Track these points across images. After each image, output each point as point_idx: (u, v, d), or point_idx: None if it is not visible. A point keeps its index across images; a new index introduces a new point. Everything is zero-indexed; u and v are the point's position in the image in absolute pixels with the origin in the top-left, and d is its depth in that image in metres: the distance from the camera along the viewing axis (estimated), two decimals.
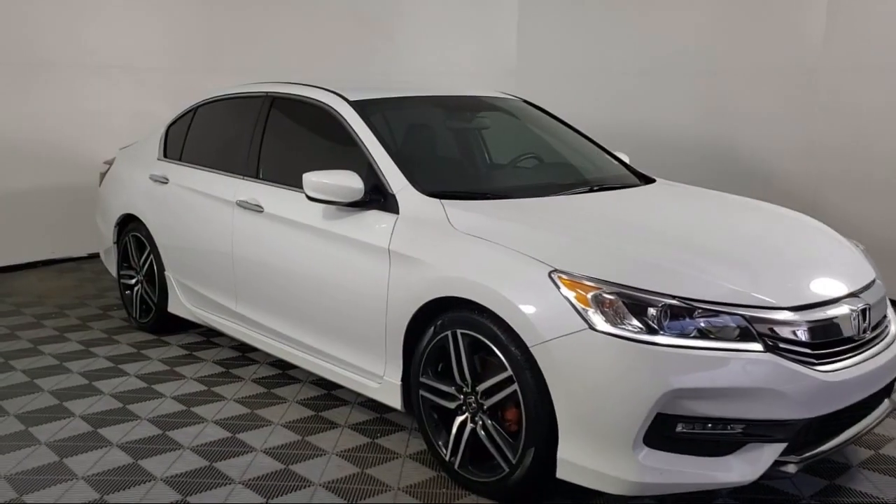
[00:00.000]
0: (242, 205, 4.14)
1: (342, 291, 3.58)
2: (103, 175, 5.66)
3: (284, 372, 4.46)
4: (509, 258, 2.97)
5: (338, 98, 3.96)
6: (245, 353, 4.77)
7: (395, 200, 3.46)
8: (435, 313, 3.20)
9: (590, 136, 4.59)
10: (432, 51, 8.09)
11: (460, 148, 4.31)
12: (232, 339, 4.62)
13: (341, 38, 8.02)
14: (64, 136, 7.03)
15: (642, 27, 7.38)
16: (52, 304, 5.85)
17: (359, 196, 3.50)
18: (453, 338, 3.11)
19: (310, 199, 3.55)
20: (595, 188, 3.84)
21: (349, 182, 3.49)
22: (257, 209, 4.04)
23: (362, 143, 3.70)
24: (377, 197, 3.52)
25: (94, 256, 7.04)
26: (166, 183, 4.81)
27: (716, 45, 6.87)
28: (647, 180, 4.20)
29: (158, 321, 5.06)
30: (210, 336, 5.07)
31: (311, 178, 3.52)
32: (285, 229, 3.89)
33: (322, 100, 4.02)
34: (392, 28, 8.16)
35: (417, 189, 3.46)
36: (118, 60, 7.17)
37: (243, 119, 4.53)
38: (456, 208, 3.34)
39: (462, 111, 4.40)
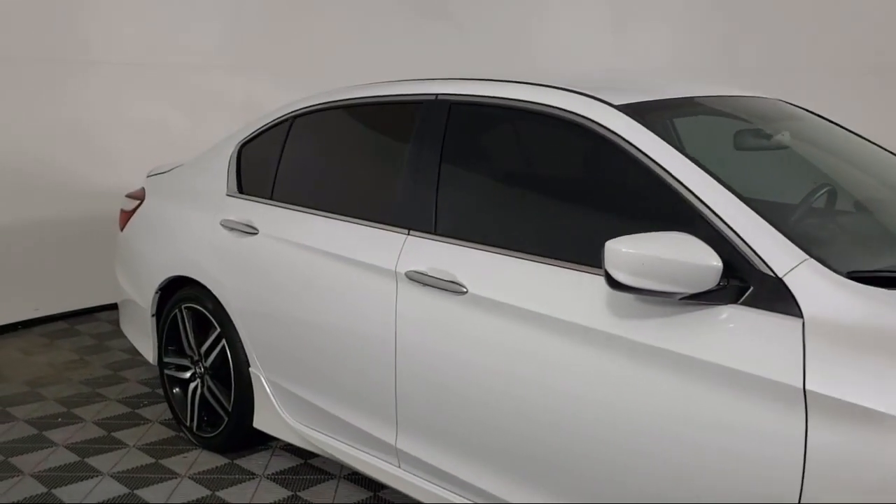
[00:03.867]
0: (417, 278, 2.50)
1: (674, 455, 1.97)
2: (128, 215, 3.92)
3: None
4: None
5: (591, 102, 2.34)
6: (375, 490, 3.12)
7: (787, 290, 1.86)
8: None
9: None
10: (516, 42, 6.46)
11: (783, 182, 2.71)
12: (345, 464, 2.95)
13: (395, 31, 6.35)
14: (47, 152, 5.23)
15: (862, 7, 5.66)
16: (53, 399, 4.09)
17: (713, 282, 1.89)
18: None
19: (615, 285, 1.93)
20: None
21: (699, 257, 1.88)
22: (454, 288, 2.40)
23: (676, 180, 2.09)
24: (739, 283, 1.92)
25: (90, 311, 5.30)
26: (253, 234, 3.12)
27: None
28: None
29: (233, 437, 3.36)
30: (307, 457, 3.40)
31: (627, 250, 1.91)
32: (522, 329, 2.26)
33: (557, 104, 2.41)
34: (461, 17, 6.51)
35: (830, 268, 1.87)
36: (116, 55, 5.40)
37: (389, 137, 2.90)
38: None
39: (758, 122, 2.79)
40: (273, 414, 3.16)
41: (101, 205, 5.42)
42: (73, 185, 5.33)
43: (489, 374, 2.35)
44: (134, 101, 5.50)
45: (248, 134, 3.43)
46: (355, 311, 2.73)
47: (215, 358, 3.38)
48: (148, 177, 4.06)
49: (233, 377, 3.28)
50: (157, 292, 3.62)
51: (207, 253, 3.31)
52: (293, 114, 3.25)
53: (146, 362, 4.47)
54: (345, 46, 6.15)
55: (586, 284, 2.14)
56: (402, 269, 2.57)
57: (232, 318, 3.23)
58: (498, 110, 2.57)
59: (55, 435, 3.65)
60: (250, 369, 3.22)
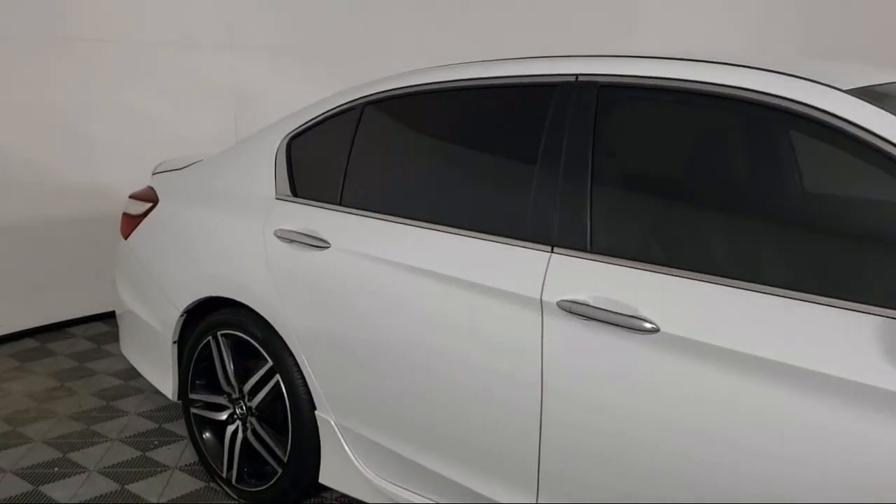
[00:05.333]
0: (578, 310, 1.96)
1: None
2: (135, 220, 3.27)
3: None
4: None
5: (815, 86, 1.83)
6: None
7: None
8: None
9: None
10: (522, 22, 5.93)
11: None
12: None
13: (403, 7, 5.75)
14: (9, 140, 4.48)
15: None
16: (42, 441, 3.42)
17: None
18: None
19: None
20: None
21: None
22: (635, 325, 1.87)
23: None
24: None
25: (61, 326, 4.61)
26: (323, 248, 2.53)
27: None
28: None
29: (288, 493, 2.76)
30: None
31: None
32: (747, 383, 1.73)
33: (762, 89, 1.89)
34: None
35: None
36: (90, 30, 4.67)
37: (507, 128, 2.34)
38: None
39: None
40: (347, 467, 2.58)
41: (74, 202, 4.73)
42: (39, 179, 4.60)
43: (692, 435, 1.83)
44: (110, 82, 4.77)
45: (298, 124, 2.82)
46: (478, 348, 2.18)
47: (265, 397, 2.77)
48: (154, 174, 3.40)
49: (290, 421, 2.69)
50: (182, 315, 2.98)
51: (257, 270, 2.70)
52: (363, 100, 2.66)
53: (142, 388, 3.86)
54: (347, 21, 5.52)
55: (851, 326, 1.63)
56: (552, 298, 2.02)
57: (292, 349, 2.64)
58: (674, 95, 2.03)
59: (56, 491, 3.00)
60: (316, 412, 2.63)
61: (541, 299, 2.04)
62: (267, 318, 2.68)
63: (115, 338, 4.56)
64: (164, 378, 3.16)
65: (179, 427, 3.52)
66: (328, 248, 2.52)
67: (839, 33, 5.87)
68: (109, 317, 4.92)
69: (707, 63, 2.00)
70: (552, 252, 2.08)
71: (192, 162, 3.28)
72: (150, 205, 3.21)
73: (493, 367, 2.14)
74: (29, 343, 4.61)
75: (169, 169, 3.35)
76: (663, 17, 6.10)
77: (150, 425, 3.56)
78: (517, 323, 2.09)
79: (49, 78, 4.51)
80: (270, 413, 2.79)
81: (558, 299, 2.01)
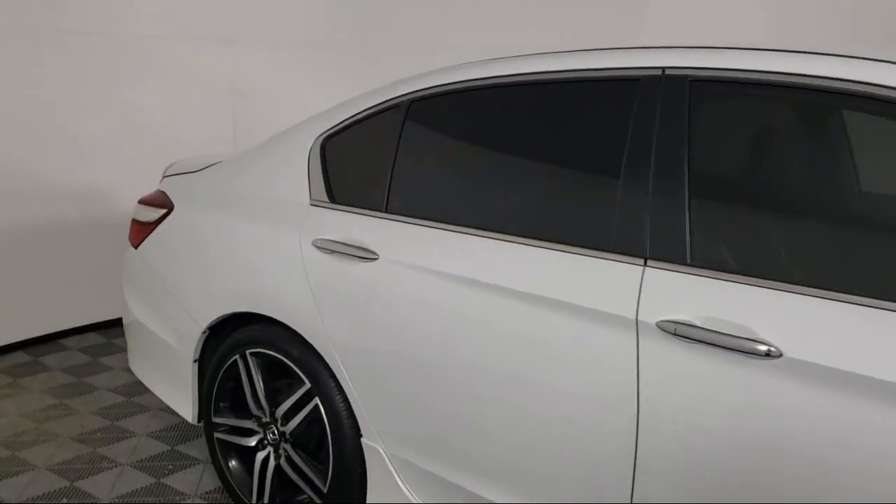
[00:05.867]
0: (682, 332, 1.74)
1: None
2: (146, 227, 3.01)
3: None
4: None
5: None
6: None
7: None
8: None
9: None
10: (524, 12, 5.72)
11: None
12: None
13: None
14: None
15: None
16: (45, 468, 3.15)
17: None
18: None
19: None
20: None
21: None
22: (750, 348, 1.65)
23: None
24: None
25: (53, 337, 4.34)
26: (371, 260, 2.29)
27: None
28: None
29: None
30: None
31: None
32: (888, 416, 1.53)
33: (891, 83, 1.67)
34: None
35: None
36: (81, 24, 4.38)
37: (582, 127, 2.11)
38: None
39: None
40: (399, 500, 2.35)
41: (64, 205, 4.44)
42: (28, 181, 4.31)
43: (821, 474, 1.61)
44: (105, 78, 4.48)
45: (333, 123, 2.58)
46: (558, 373, 1.96)
47: (301, 421, 2.53)
48: (165, 177, 3.14)
49: (331, 448, 2.45)
50: (204, 332, 2.73)
51: (293, 283, 2.45)
52: (409, 96, 2.42)
53: (148, 406, 3.61)
54: (352, 13, 5.26)
55: None
56: (650, 318, 1.80)
57: (334, 371, 2.40)
58: (778, 91, 1.82)
59: None
60: (362, 439, 2.40)
61: (636, 319, 1.82)
62: (305, 335, 2.44)
63: (112, 349, 4.31)
64: (181, 398, 2.91)
65: (194, 449, 3.28)
66: (376, 259, 2.28)
67: (847, 27, 5.74)
68: (104, 326, 4.65)
69: (813, 55, 1.78)
70: (645, 265, 1.86)
71: (208, 164, 3.02)
72: (163, 211, 2.94)
73: (578, 394, 1.92)
74: (20, 357, 4.32)
75: (182, 171, 3.09)
76: (672, 16, 5.91)
77: (162, 447, 3.31)
78: (607, 345, 1.87)
79: (41, 73, 4.22)
80: (306, 438, 2.55)
81: (658, 319, 1.79)
